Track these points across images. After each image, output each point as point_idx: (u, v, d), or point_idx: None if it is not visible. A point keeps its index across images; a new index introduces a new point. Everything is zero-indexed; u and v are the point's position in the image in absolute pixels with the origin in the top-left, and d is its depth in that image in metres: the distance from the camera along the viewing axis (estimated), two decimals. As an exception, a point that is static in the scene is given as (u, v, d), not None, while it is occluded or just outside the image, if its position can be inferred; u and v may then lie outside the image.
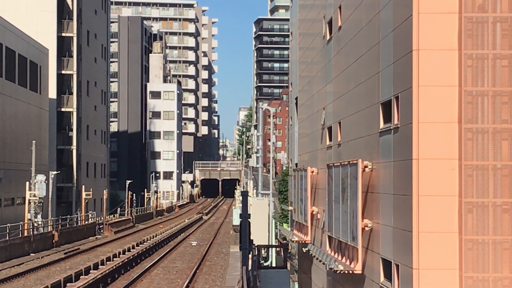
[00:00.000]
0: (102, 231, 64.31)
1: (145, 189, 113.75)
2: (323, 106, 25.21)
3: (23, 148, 58.05)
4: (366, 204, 18.19)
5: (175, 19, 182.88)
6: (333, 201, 21.06)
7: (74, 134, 76.77)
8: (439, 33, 14.62)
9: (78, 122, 77.63)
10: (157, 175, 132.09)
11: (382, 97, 16.99)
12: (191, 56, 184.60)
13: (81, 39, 78.43)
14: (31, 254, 44.17)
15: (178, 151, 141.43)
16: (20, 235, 45.69)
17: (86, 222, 64.65)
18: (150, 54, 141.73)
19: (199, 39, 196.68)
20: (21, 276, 34.53)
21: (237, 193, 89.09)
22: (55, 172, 61.64)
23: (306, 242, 27.22)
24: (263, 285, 28.94)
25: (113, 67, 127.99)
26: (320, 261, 22.73)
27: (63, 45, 76.46)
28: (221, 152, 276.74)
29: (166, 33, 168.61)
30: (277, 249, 40.85)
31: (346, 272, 18.99)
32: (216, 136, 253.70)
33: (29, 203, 49.49)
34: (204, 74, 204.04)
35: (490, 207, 14.42)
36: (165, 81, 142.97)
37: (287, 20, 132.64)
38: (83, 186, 69.36)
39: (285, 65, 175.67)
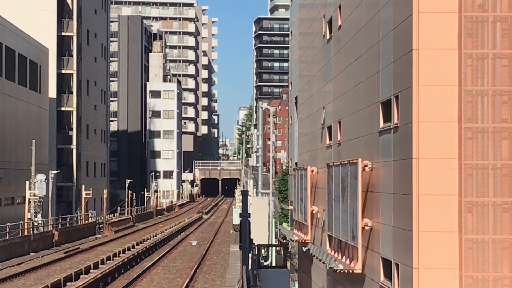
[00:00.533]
0: (102, 230, 64.32)
1: (145, 189, 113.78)
2: (323, 105, 25.21)
3: (23, 148, 58.05)
4: (366, 204, 18.19)
5: (175, 19, 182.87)
6: (333, 201, 21.06)
7: (74, 133, 76.78)
8: (439, 32, 14.62)
9: (78, 122, 77.64)
10: (157, 174, 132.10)
11: (382, 97, 17.00)
12: (191, 55, 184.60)
13: (81, 39, 78.43)
14: (31, 254, 44.17)
15: (178, 151, 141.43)
16: (20, 235, 45.70)
17: (86, 221, 64.66)
18: (150, 54, 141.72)
19: (199, 38, 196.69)
20: (21, 275, 34.53)
21: (237, 192, 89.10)
22: (55, 172, 61.65)
23: (306, 241, 27.22)
24: (263, 284, 28.93)
25: (113, 67, 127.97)
26: (320, 260, 22.74)
27: (63, 44, 76.45)
28: (221, 151, 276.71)
29: (166, 32, 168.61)
30: (277, 248, 40.84)
31: (346, 271, 18.99)
32: (216, 135, 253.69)
33: (29, 202, 49.50)
34: (204, 74, 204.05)
35: (490, 206, 14.42)
36: (165, 80, 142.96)
37: (287, 19, 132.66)
38: (83, 186, 69.37)
39: (285, 64, 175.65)
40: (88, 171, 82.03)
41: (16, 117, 59.06)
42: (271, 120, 56.94)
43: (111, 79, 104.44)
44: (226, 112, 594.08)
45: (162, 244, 51.66)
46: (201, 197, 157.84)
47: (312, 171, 26.66)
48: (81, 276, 31.00)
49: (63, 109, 76.35)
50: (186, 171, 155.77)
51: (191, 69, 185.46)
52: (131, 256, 39.71)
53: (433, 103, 14.55)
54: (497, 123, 14.49)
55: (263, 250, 38.23)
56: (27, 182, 50.00)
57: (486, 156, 14.46)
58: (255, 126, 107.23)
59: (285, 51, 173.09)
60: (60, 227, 52.87)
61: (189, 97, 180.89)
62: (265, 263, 37.67)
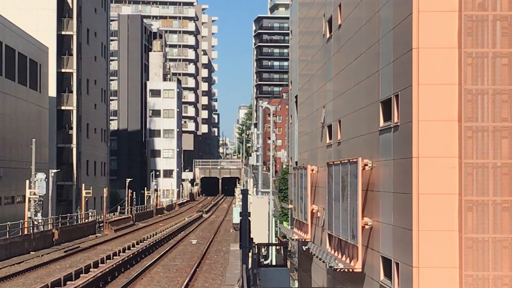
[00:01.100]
0: (102, 229, 64.32)
1: (145, 187, 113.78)
2: (323, 104, 25.22)
3: (23, 147, 58.05)
4: (366, 202, 18.19)
5: (175, 18, 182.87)
6: (333, 199, 21.07)
7: (74, 132, 76.77)
8: (439, 31, 14.62)
9: (78, 120, 77.63)
10: (157, 173, 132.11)
11: (382, 96, 17.00)
12: (191, 54, 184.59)
13: (81, 37, 78.41)
14: (31, 253, 44.17)
15: (178, 149, 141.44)
16: (20, 234, 45.69)
17: (86, 220, 64.64)
18: (150, 53, 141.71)
19: (199, 37, 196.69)
20: (21, 274, 34.52)
21: (237, 191, 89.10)
22: (55, 170, 61.63)
23: (306, 240, 27.23)
24: (263, 283, 28.93)
25: (113, 65, 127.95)
26: (320, 259, 22.74)
27: (63, 43, 76.44)
28: (221, 150, 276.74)
29: (166, 31, 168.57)
30: (277, 247, 40.89)
31: (346, 270, 19.00)
32: (216, 134, 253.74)
33: (29, 201, 49.49)
34: (204, 73, 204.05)
35: (490, 205, 14.43)
36: (165, 79, 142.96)
37: (287, 18, 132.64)
38: (83, 184, 69.37)
39: (285, 63, 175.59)
40: (88, 170, 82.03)
41: (16, 116, 59.05)
42: (271, 119, 56.93)
43: (111, 78, 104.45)
44: (226, 111, 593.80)
45: (162, 243, 51.66)
46: (201, 196, 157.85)
47: (312, 170, 26.66)
48: (81, 275, 30.98)
49: (63, 108, 76.34)
50: (186, 170, 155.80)
51: (191, 68, 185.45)
52: (131, 255, 39.70)
53: (433, 102, 14.56)
54: (497, 122, 14.49)
55: (263, 249, 38.24)
56: (27, 181, 49.99)
57: (486, 155, 14.46)
58: (255, 125, 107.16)
59: (285, 50, 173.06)
60: (60, 226, 52.86)
61: (189, 96, 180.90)
62: (265, 262, 37.68)
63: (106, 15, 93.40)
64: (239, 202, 65.40)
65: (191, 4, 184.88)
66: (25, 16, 71.06)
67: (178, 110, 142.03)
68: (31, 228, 47.62)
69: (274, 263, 38.65)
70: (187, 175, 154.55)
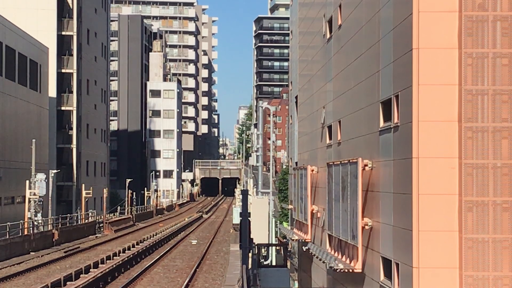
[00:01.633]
0: (102, 229, 64.32)
1: (145, 188, 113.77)
2: (323, 104, 25.22)
3: (23, 147, 58.04)
4: (366, 203, 18.19)
5: (175, 18, 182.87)
6: (333, 200, 21.06)
7: (74, 132, 76.75)
8: (439, 31, 14.62)
9: (78, 121, 77.63)
10: (157, 173, 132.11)
11: (382, 96, 17.00)
12: (191, 54, 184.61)
13: (81, 38, 78.42)
14: (31, 253, 44.17)
15: (178, 150, 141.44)
16: (20, 234, 45.69)
17: (86, 220, 64.65)
18: (150, 53, 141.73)
19: (199, 37, 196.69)
20: (21, 274, 34.53)
21: (237, 191, 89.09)
22: (55, 171, 61.63)
23: (306, 240, 27.23)
24: (263, 283, 28.93)
25: (113, 66, 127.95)
26: (320, 259, 22.74)
27: (63, 43, 76.44)
28: (221, 151, 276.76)
29: (166, 31, 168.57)
30: (277, 247, 40.85)
31: (346, 270, 19.00)
32: (216, 134, 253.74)
33: (29, 201, 49.48)
34: (204, 73, 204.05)
35: (490, 205, 14.42)
36: (165, 79, 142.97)
37: (287, 18, 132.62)
38: (83, 185, 69.36)
39: (285, 63, 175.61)
40: (88, 170, 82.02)
41: (16, 117, 59.05)
42: (271, 120, 56.93)
43: (111, 78, 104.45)
44: (226, 112, 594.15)
45: (162, 244, 51.66)
46: (201, 196, 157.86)
47: (312, 170, 26.66)
48: (81, 276, 30.99)
49: (63, 108, 76.33)
50: (186, 171, 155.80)
51: (191, 69, 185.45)
52: (131, 256, 39.70)
53: (433, 102, 14.56)
54: (497, 123, 14.49)
55: (263, 250, 38.21)
56: (27, 182, 49.99)
57: (486, 155, 14.46)
58: (255, 125, 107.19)
59: (285, 51, 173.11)
60: (60, 226, 52.86)
61: (189, 97, 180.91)
62: (265, 263, 37.65)
63: (106, 15, 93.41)
64: (239, 202, 65.39)
65: (191, 4, 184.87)
66: (25, 17, 71.06)
67: (178, 110, 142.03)
68: (31, 228, 47.62)
69: (274, 263, 38.61)
70: (187, 175, 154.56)
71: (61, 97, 76.26)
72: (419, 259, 14.46)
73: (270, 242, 43.35)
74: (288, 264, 38.28)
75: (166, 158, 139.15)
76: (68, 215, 59.38)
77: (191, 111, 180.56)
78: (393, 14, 16.15)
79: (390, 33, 16.27)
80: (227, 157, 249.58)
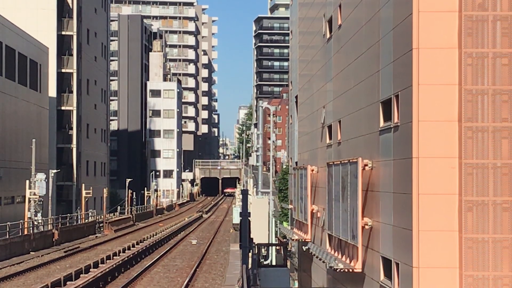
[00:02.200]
0: (102, 229, 64.31)
1: (145, 188, 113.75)
2: (323, 104, 25.22)
3: (23, 147, 58.05)
4: (366, 203, 18.19)
5: (175, 18, 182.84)
6: (333, 200, 21.07)
7: (74, 132, 76.75)
8: (439, 31, 14.62)
9: (78, 121, 77.63)
10: (157, 173, 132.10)
11: (382, 96, 17.00)
12: (191, 54, 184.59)
13: (81, 38, 78.42)
14: (31, 253, 44.17)
15: (178, 150, 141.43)
16: (20, 234, 45.68)
17: (86, 220, 64.64)
18: (150, 53, 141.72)
19: (199, 37, 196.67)
20: (21, 274, 34.52)
21: (237, 191, 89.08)
22: (55, 171, 61.62)
23: (306, 240, 27.23)
24: (263, 283, 28.93)
25: (113, 66, 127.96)
26: (320, 259, 22.74)
27: (63, 43, 76.44)
28: (221, 150, 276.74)
29: (166, 31, 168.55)
30: (277, 247, 40.87)
31: (346, 270, 19.00)
32: (216, 134, 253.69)
33: (29, 201, 49.48)
34: (204, 73, 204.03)
35: (490, 205, 14.42)
36: (165, 79, 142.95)
37: (287, 18, 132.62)
38: (83, 185, 69.36)
39: (285, 63, 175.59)
40: (88, 170, 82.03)
41: (16, 116, 59.06)
42: (271, 119, 56.94)
43: (111, 78, 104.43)
44: (226, 111, 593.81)
45: (162, 243, 51.65)
46: (201, 196, 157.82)
47: (312, 170, 26.66)
48: (81, 275, 30.97)
49: (63, 108, 76.34)
50: (186, 170, 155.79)
51: (191, 68, 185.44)
52: (131, 255, 39.69)
53: (433, 102, 14.56)
54: (497, 122, 14.49)
55: (263, 249, 38.23)
56: (27, 181, 49.98)
57: (486, 155, 14.46)
58: (255, 125, 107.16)
59: (285, 50, 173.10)
60: (60, 226, 52.84)
61: (189, 96, 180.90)
62: (265, 262, 37.67)
63: (106, 15, 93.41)
64: (239, 202, 65.39)
65: (191, 4, 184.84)
66: (25, 16, 71.05)
67: (178, 110, 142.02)
68: (31, 228, 47.61)
69: (274, 263, 38.63)
70: (187, 175, 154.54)
71: (61, 97, 76.27)
72: (419, 259, 14.46)
73: (270, 242, 43.37)
74: (288, 264, 38.28)
75: (166, 158, 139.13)
76: (68, 215, 59.37)
77: (191, 111, 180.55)
78: (393, 14, 16.15)
79: (390, 33, 16.27)
80: (227, 158, 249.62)
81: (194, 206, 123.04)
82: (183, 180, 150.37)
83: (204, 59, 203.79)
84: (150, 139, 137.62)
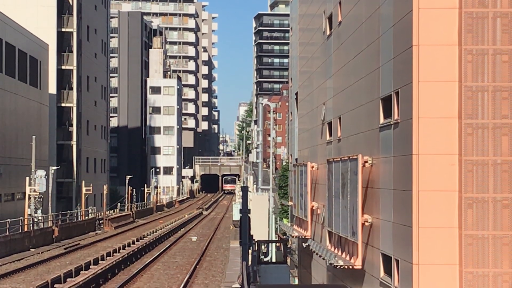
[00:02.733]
0: (102, 226, 64.36)
1: (145, 185, 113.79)
2: (323, 101, 25.20)
3: (23, 143, 58.06)
4: (366, 200, 18.19)
5: (175, 14, 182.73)
6: (333, 196, 21.06)
7: (74, 129, 76.79)
8: (439, 28, 14.61)
9: (78, 117, 77.64)
10: (157, 170, 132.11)
11: (382, 92, 16.99)
12: (191, 51, 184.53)
13: (81, 34, 78.40)
14: (31, 249, 44.20)
15: (178, 146, 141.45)
16: (20, 230, 45.71)
17: (86, 217, 64.67)
18: (150, 49, 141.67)
19: (199, 34, 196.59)
20: (21, 271, 34.56)
21: (237, 188, 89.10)
22: (55, 167, 61.64)
23: (306, 237, 27.23)
24: (263, 280, 28.95)
25: (113, 62, 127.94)
26: (320, 256, 22.74)
27: (63, 40, 76.43)
28: (221, 147, 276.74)
29: (166, 28, 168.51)
30: (277, 244, 40.85)
31: (346, 267, 19.00)
32: (216, 131, 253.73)
33: (29, 198, 49.51)
34: (204, 70, 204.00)
35: (490, 202, 14.42)
36: (165, 76, 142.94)
37: (287, 15, 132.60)
38: (83, 181, 69.40)
39: (285, 60, 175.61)
40: (88, 167, 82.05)
41: (16, 113, 59.06)
42: (271, 116, 56.97)
43: (111, 75, 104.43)
44: (226, 108, 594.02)
45: (162, 240, 51.69)
46: (201, 193, 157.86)
47: (312, 167, 26.66)
48: (81, 272, 31.00)
49: (63, 105, 76.36)
50: (186, 167, 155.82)
51: (191, 65, 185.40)
52: (131, 252, 39.74)
53: (433, 99, 14.55)
54: (497, 119, 14.48)
55: (263, 246, 38.24)
56: (27, 178, 50.01)
57: (486, 152, 14.46)
58: (255, 122, 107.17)
59: (285, 47, 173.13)
60: (60, 223, 52.88)
61: (189, 93, 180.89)
62: (265, 259, 37.68)
63: (106, 12, 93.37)
64: (239, 199, 65.41)
65: (191, 1, 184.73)
66: (25, 13, 71.04)
67: (178, 107, 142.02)
68: (31, 225, 47.65)
69: (274, 260, 38.63)
70: (187, 172, 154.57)
71: (61, 94, 76.29)
72: (419, 255, 14.46)
73: (270, 239, 43.38)
74: (288, 260, 38.30)
75: (166, 154, 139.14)
76: (68, 211, 59.41)
77: (191, 108, 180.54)
78: (393, 10, 16.14)
79: (390, 30, 16.26)
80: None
81: (194, 203, 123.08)
82: (183, 177, 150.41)
83: (204, 56, 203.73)
84: (150, 136, 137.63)
